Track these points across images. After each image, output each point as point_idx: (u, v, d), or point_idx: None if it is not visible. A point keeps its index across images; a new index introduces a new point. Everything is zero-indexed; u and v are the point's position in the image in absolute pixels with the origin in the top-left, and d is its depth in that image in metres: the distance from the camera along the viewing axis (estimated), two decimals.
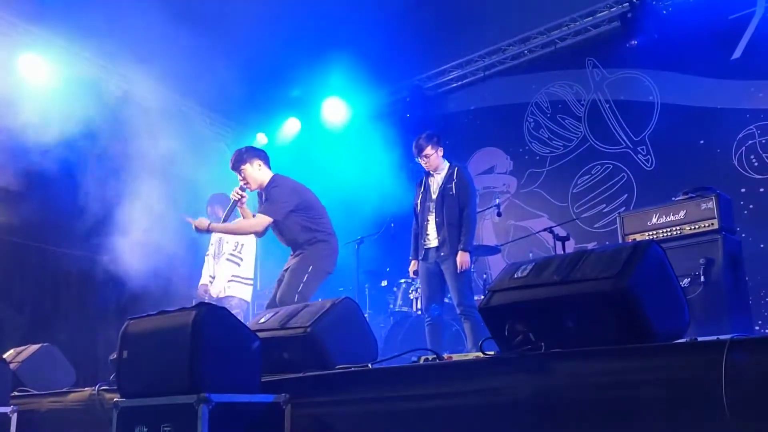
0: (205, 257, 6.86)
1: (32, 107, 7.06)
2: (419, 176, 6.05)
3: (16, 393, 4.48)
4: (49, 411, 4.18)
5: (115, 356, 3.16)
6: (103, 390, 3.83)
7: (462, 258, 5.42)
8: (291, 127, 9.70)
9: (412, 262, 5.88)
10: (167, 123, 8.36)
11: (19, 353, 4.97)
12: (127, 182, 7.56)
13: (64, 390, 4.37)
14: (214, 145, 9.59)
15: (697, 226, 4.94)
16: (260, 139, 9.89)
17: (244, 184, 5.20)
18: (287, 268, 5.18)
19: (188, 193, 7.63)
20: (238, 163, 5.20)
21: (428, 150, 5.72)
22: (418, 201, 5.85)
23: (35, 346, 5.02)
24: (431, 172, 5.82)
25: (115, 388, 3.48)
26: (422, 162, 5.79)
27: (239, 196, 5.19)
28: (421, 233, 5.76)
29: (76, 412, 3.98)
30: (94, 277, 7.82)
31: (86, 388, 4.06)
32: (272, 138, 9.92)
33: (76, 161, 7.31)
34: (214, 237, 6.86)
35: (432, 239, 5.64)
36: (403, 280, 7.01)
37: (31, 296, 7.48)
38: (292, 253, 5.26)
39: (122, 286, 7.52)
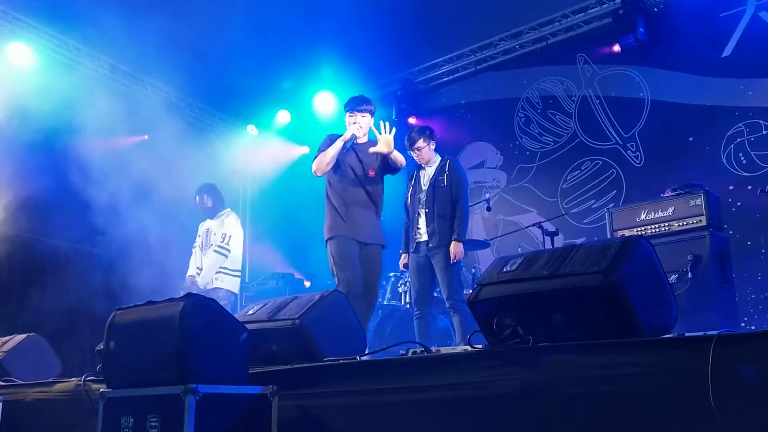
0: (193, 248, 6.83)
1: (19, 96, 7.00)
2: (411, 170, 6.05)
3: (2, 383, 4.45)
4: (34, 401, 4.15)
5: (102, 347, 3.15)
6: (90, 380, 3.81)
7: (456, 248, 5.39)
8: (281, 119, 9.67)
9: (403, 255, 5.88)
10: (157, 114, 8.33)
11: (5, 343, 4.94)
12: (115, 172, 7.52)
13: (50, 380, 4.34)
14: (204, 136, 9.55)
15: (685, 223, 4.98)
16: (251, 131, 9.87)
17: (358, 128, 5.17)
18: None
19: (177, 183, 7.59)
20: (368, 111, 5.21)
21: (420, 143, 5.72)
22: (409, 194, 5.84)
23: (21, 336, 4.99)
24: (423, 165, 5.82)
25: (101, 378, 3.46)
26: (414, 155, 5.79)
27: (360, 134, 5.17)
28: (411, 226, 5.75)
29: (62, 403, 3.96)
30: (82, 268, 7.78)
31: (72, 379, 4.04)
32: (262, 130, 9.90)
33: (63, 151, 7.24)
34: (202, 228, 6.84)
35: (423, 232, 5.63)
36: (392, 274, 7.01)
37: (18, 286, 7.43)
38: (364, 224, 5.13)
39: (110, 276, 7.49)
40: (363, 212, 5.11)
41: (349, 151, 5.13)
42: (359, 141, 5.20)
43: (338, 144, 5.06)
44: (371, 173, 5.17)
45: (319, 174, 5.16)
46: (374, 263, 5.11)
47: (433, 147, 5.79)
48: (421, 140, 5.71)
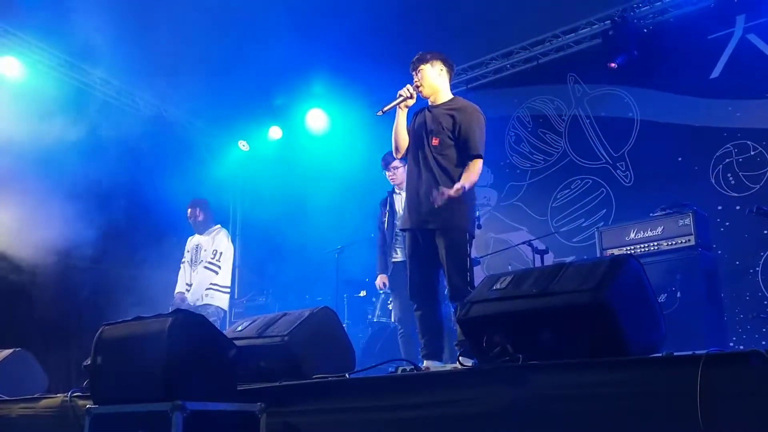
0: (181, 264, 6.79)
1: (8, 110, 6.97)
2: (382, 195, 6.03)
3: None
4: (19, 417, 4.11)
5: (89, 362, 3.12)
6: (76, 396, 3.78)
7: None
8: (273, 135, 9.68)
9: (380, 276, 5.89)
10: (149, 129, 8.32)
11: None
12: (104, 188, 7.49)
13: (35, 396, 4.30)
14: (195, 151, 9.54)
15: (674, 242, 5.01)
16: (242, 147, 9.87)
17: (416, 87, 4.25)
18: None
19: (168, 199, 7.57)
20: (419, 61, 4.28)
21: (396, 162, 5.69)
22: (385, 219, 5.83)
23: (7, 351, 4.95)
24: (396, 190, 5.81)
25: (88, 394, 3.43)
26: (389, 175, 5.79)
27: (409, 94, 4.20)
28: (389, 250, 5.75)
29: (48, 419, 3.92)
30: (68, 283, 7.72)
31: (58, 395, 4.01)
32: (254, 146, 9.90)
33: (51, 167, 7.19)
34: (191, 243, 6.81)
35: (400, 256, 5.62)
36: (381, 291, 7.00)
37: (4, 301, 7.37)
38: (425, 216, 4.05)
39: (97, 291, 7.44)
40: (420, 192, 4.10)
41: (420, 114, 4.30)
42: (433, 101, 4.29)
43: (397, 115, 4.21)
44: (434, 141, 4.13)
45: (397, 155, 4.41)
46: (441, 251, 3.98)
47: None
48: (397, 161, 5.60)
